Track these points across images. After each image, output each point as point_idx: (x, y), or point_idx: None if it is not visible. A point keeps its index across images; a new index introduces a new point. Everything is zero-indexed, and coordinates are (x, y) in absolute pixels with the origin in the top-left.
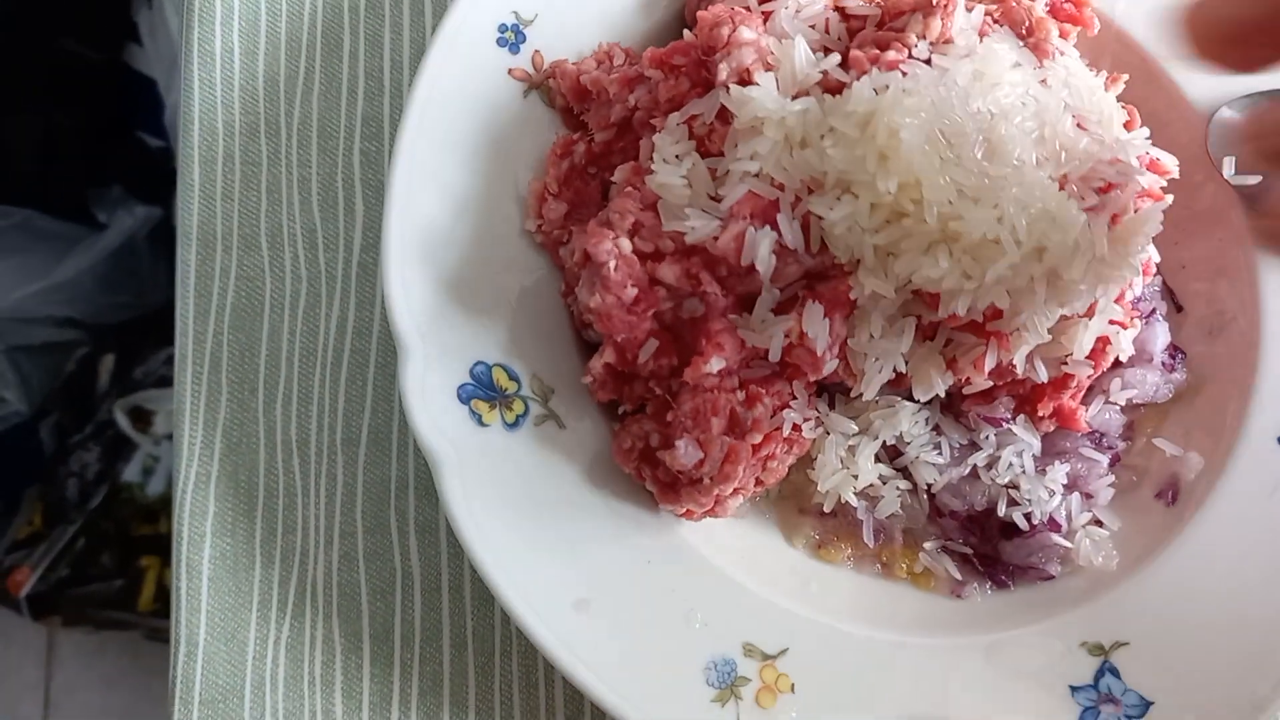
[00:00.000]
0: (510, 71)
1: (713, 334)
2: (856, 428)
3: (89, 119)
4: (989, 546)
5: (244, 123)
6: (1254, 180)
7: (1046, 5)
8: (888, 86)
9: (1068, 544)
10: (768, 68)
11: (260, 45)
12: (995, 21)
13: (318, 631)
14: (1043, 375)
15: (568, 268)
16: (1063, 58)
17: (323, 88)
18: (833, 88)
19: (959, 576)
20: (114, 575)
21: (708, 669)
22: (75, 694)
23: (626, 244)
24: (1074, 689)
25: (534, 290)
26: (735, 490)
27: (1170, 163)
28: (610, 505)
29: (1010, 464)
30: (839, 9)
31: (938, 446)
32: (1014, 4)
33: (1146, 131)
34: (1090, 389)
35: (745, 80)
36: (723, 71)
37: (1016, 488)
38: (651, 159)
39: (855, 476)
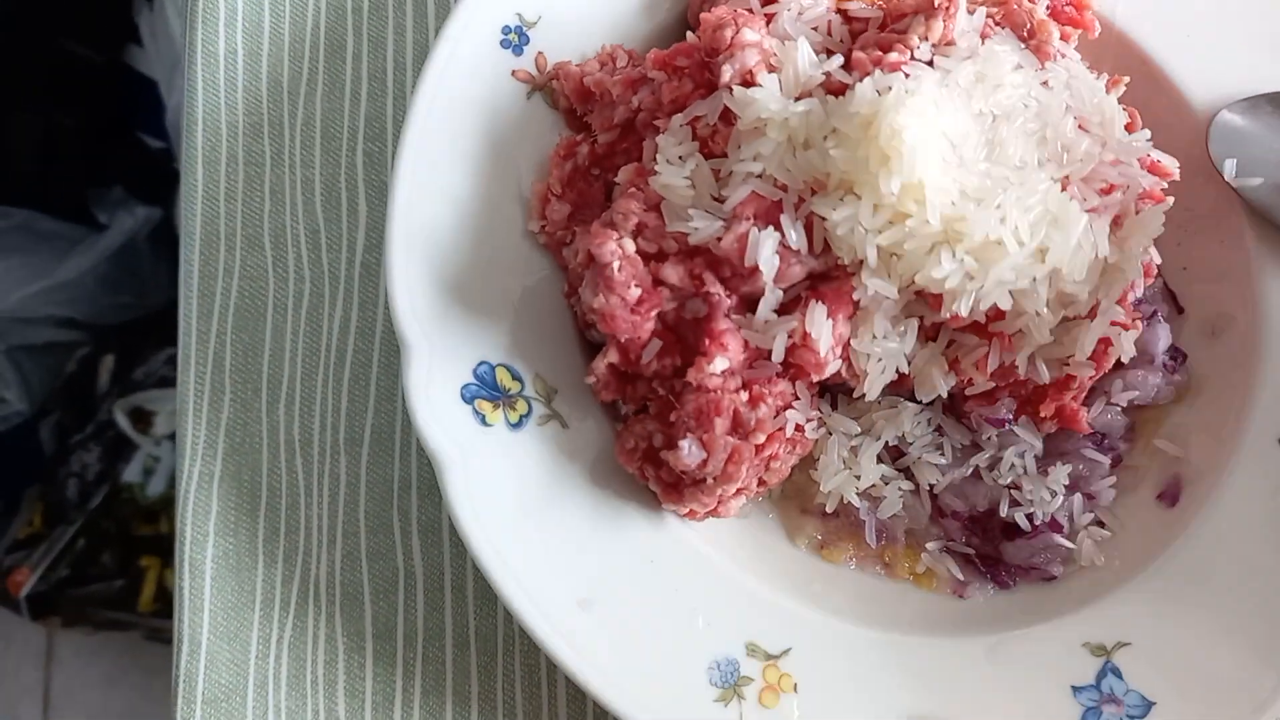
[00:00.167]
0: (513, 73)
1: (716, 334)
2: (859, 428)
3: (90, 120)
4: (991, 547)
5: (247, 123)
6: (1255, 182)
7: (1048, 8)
8: (890, 88)
9: (1070, 545)
10: (771, 69)
11: (264, 46)
12: (997, 24)
13: (320, 631)
14: (1045, 376)
15: (571, 268)
16: (1064, 60)
17: (326, 89)
18: (835, 89)
19: (961, 577)
20: (114, 575)
21: (711, 668)
22: (75, 694)
23: (630, 244)
24: (1076, 689)
25: (537, 291)
26: (738, 490)
27: (1171, 165)
28: (613, 505)
29: (1012, 465)
30: (841, 11)
31: (940, 447)
32: (1015, 6)
33: (1148, 133)
34: (1092, 390)
35: (748, 81)
36: (726, 73)
37: (1018, 488)
38: (655, 160)
39: (858, 477)
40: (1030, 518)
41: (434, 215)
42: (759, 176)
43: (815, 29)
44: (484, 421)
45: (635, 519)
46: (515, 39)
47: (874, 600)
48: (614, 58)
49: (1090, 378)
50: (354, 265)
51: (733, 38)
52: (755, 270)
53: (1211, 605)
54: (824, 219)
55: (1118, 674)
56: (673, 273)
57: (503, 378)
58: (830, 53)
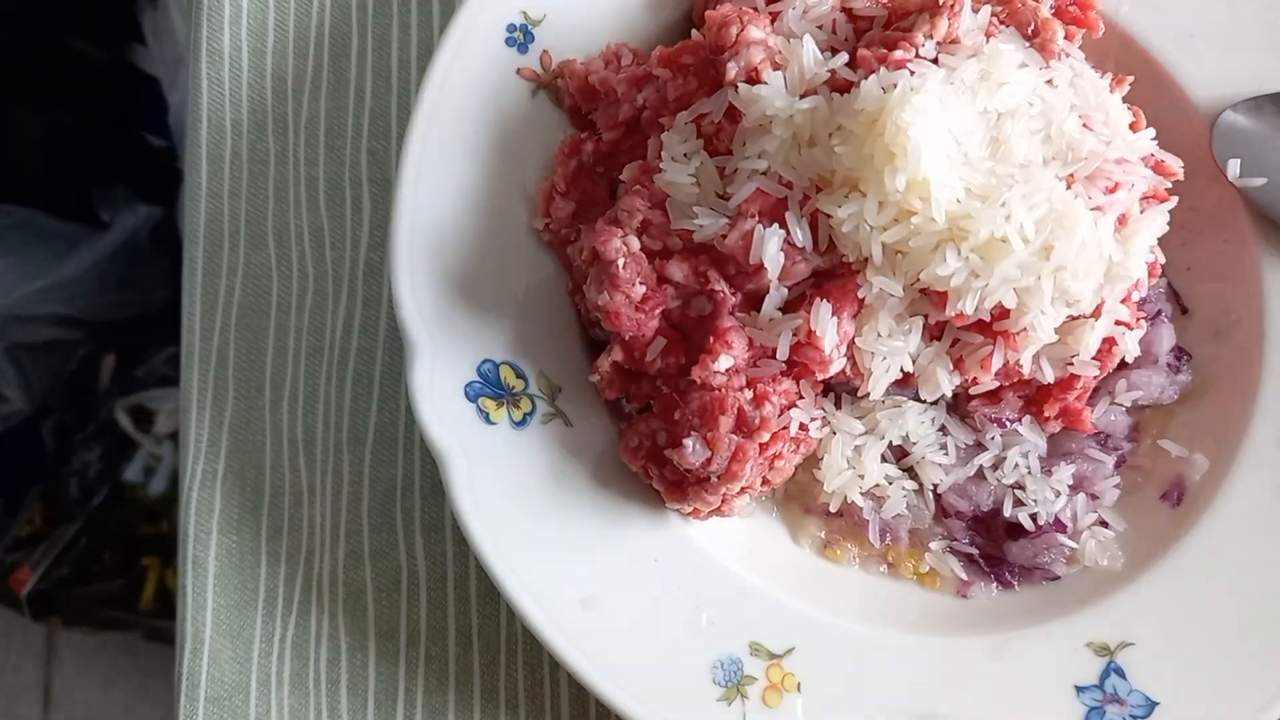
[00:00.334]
0: (518, 71)
1: (721, 332)
2: (863, 427)
3: (92, 118)
4: (994, 547)
5: (252, 121)
6: (1259, 183)
7: (1052, 7)
8: (895, 85)
9: (1073, 545)
10: (776, 66)
11: (268, 44)
12: (1001, 22)
13: (323, 629)
14: (1049, 376)
15: (575, 266)
16: (1068, 59)
17: (330, 87)
18: (840, 86)
19: (965, 576)
20: (115, 575)
21: (714, 667)
22: (75, 694)
23: (635, 242)
24: (1079, 689)
25: (541, 288)
26: (742, 489)
27: (1176, 164)
28: (617, 503)
29: (1016, 465)
30: (846, 9)
31: (944, 447)
32: (1020, 5)
33: (1152, 133)
34: (1096, 390)
35: (754, 79)
36: (731, 70)
37: (1022, 488)
38: (660, 157)
39: (861, 476)
40: (1034, 517)
41: (438, 213)
42: (764, 174)
43: (820, 27)
44: (488, 419)
45: (639, 518)
46: (520, 37)
47: (877, 600)
48: (619, 56)
49: (1094, 377)
50: (358, 263)
51: (738, 35)
52: (760, 268)
53: (1215, 605)
54: (829, 216)
55: (1121, 674)
56: (677, 270)
57: (507, 375)
58: (835, 50)
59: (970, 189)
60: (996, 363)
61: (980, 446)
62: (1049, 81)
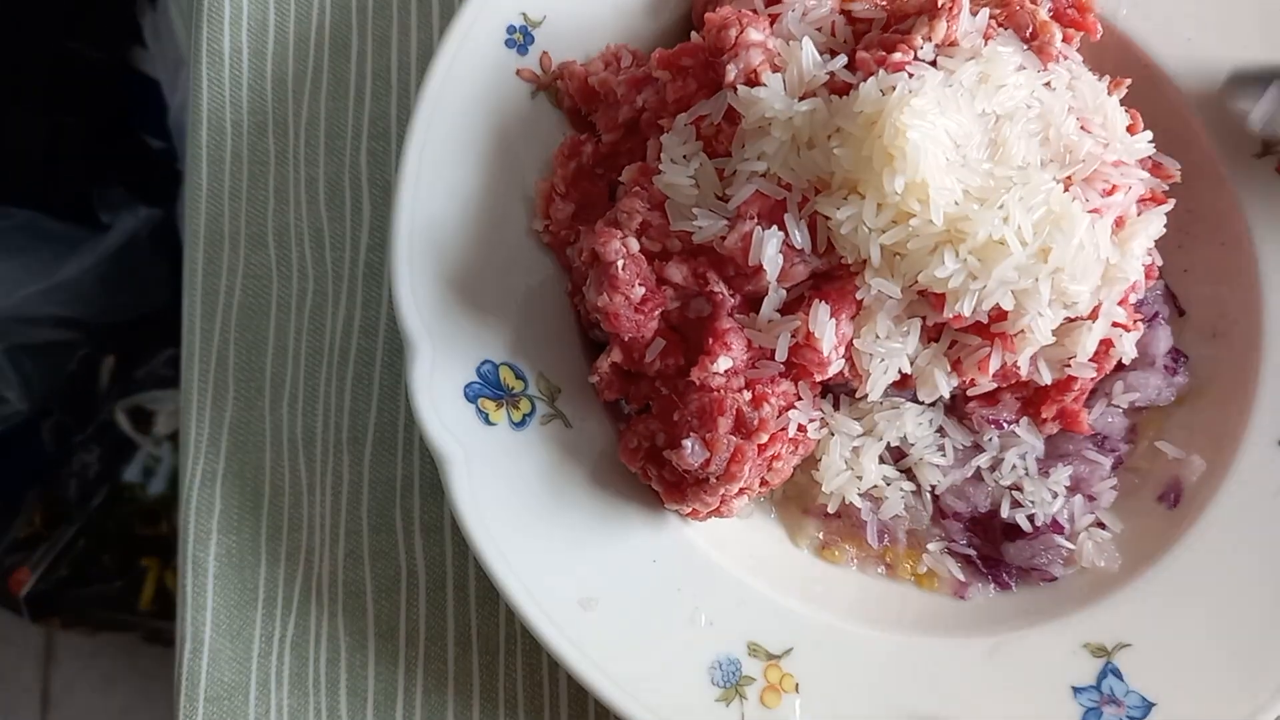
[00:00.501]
0: (518, 72)
1: (719, 333)
2: (861, 429)
3: (92, 120)
4: (992, 548)
5: (252, 122)
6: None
7: (1050, 9)
8: (894, 87)
9: (1070, 546)
10: (775, 69)
11: (269, 45)
12: (1000, 25)
13: (323, 629)
14: (1046, 377)
15: (575, 267)
16: (1066, 61)
17: (330, 88)
18: (839, 89)
19: (962, 577)
20: (114, 576)
21: (713, 668)
22: (74, 695)
23: (634, 243)
24: (1076, 690)
25: (541, 290)
26: (740, 490)
27: (1173, 167)
28: (616, 504)
29: (1013, 466)
30: (845, 12)
31: (942, 448)
32: (1018, 8)
33: (1150, 135)
34: (1093, 392)
35: (753, 81)
36: (730, 72)
37: (1020, 489)
38: (659, 159)
39: (859, 477)
40: (1031, 519)
41: (438, 214)
42: (763, 176)
43: (819, 29)
44: (487, 420)
45: (637, 519)
46: (520, 39)
47: (875, 601)
48: (618, 57)
49: (1092, 379)
50: (358, 264)
51: (737, 38)
52: (759, 269)
53: (1212, 606)
54: (828, 218)
55: (1118, 675)
56: (676, 272)
57: (506, 376)
58: (834, 53)
59: (968, 191)
60: (994, 364)
61: (978, 448)
62: (1047, 84)
